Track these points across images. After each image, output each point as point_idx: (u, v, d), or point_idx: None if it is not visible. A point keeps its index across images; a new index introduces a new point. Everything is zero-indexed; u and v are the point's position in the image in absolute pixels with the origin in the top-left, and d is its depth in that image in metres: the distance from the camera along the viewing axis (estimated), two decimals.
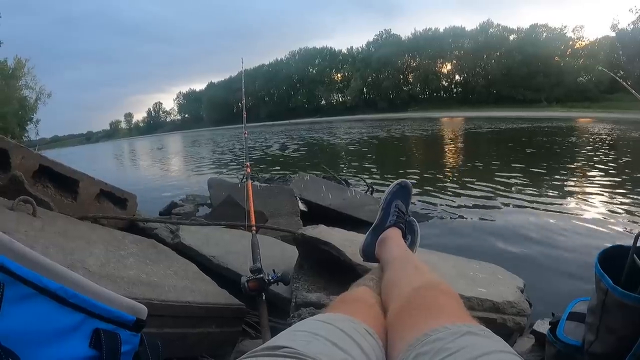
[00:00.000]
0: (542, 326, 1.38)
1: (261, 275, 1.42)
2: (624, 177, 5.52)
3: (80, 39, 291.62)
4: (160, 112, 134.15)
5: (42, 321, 0.55)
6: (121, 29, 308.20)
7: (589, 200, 4.37)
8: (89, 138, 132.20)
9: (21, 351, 0.50)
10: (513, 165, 7.31)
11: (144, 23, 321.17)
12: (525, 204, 4.26)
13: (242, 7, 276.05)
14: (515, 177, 5.88)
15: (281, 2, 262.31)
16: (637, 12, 45.45)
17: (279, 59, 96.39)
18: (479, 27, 68.90)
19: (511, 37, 65.09)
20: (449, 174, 6.82)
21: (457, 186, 5.40)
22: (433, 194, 4.91)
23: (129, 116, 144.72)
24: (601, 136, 13.54)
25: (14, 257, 0.53)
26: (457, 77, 73.26)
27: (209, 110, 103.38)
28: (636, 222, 3.48)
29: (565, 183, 5.42)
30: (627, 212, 3.82)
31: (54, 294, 0.58)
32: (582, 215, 3.75)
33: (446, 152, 11.04)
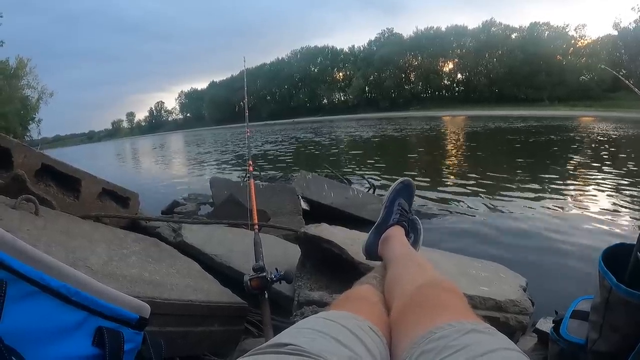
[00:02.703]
0: (545, 325, 1.38)
1: (264, 274, 1.41)
2: (627, 175, 5.51)
3: (81, 37, 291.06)
4: (162, 112, 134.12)
5: (45, 319, 0.55)
6: (122, 27, 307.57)
7: (592, 198, 4.36)
8: (91, 137, 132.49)
9: (24, 349, 0.50)
10: (515, 163, 7.31)
11: (145, 21, 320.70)
12: (528, 202, 4.25)
13: (243, 5, 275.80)
14: (517, 176, 5.87)
15: (283, 0, 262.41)
16: (639, 11, 45.41)
17: (280, 57, 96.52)
18: (481, 26, 68.84)
19: (513, 36, 64.98)
20: (452, 172, 6.82)
21: (460, 185, 5.40)
22: (436, 192, 4.90)
23: (130, 115, 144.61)
24: (604, 135, 13.51)
25: (17, 255, 0.53)
26: (459, 75, 73.21)
27: (211, 110, 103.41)
28: None
29: (568, 181, 5.41)
30: (631, 209, 3.82)
31: (57, 292, 0.57)
32: (585, 213, 3.75)
33: (448, 150, 11.03)
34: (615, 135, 13.40)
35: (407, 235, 1.31)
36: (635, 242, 0.98)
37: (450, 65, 73.79)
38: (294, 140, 18.33)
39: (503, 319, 1.47)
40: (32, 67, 43.94)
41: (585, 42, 59.23)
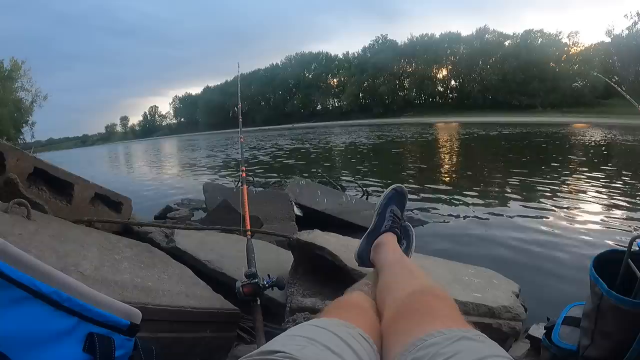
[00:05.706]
0: (538, 331, 1.38)
1: (256, 280, 1.41)
2: (618, 181, 5.55)
3: (76, 39, 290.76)
4: (156, 116, 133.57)
5: (36, 325, 0.55)
6: (117, 30, 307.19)
7: (584, 205, 4.38)
8: (85, 141, 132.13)
9: (14, 354, 0.50)
10: (508, 170, 7.32)
11: (141, 25, 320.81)
12: (521, 208, 4.27)
13: (239, 10, 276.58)
14: (510, 182, 5.89)
15: (278, 5, 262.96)
16: (632, 18, 45.85)
17: (275, 63, 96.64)
18: (474, 33, 69.21)
19: (507, 43, 65.31)
20: (444, 178, 6.84)
21: (453, 191, 5.40)
22: (428, 198, 4.91)
23: (124, 120, 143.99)
24: (596, 141, 13.59)
25: (8, 260, 0.53)
26: (452, 82, 73.53)
27: (205, 115, 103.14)
28: (631, 227, 3.49)
29: (560, 188, 5.43)
30: (622, 216, 3.83)
31: (48, 297, 0.57)
32: (577, 219, 3.76)
33: (441, 157, 11.05)
34: (608, 141, 13.48)
35: (399, 242, 1.31)
36: (626, 249, 0.99)
37: (444, 72, 74.13)
38: (289, 145, 18.33)
39: (496, 325, 1.47)
40: (26, 69, 43.81)
41: (578, 49, 59.78)
